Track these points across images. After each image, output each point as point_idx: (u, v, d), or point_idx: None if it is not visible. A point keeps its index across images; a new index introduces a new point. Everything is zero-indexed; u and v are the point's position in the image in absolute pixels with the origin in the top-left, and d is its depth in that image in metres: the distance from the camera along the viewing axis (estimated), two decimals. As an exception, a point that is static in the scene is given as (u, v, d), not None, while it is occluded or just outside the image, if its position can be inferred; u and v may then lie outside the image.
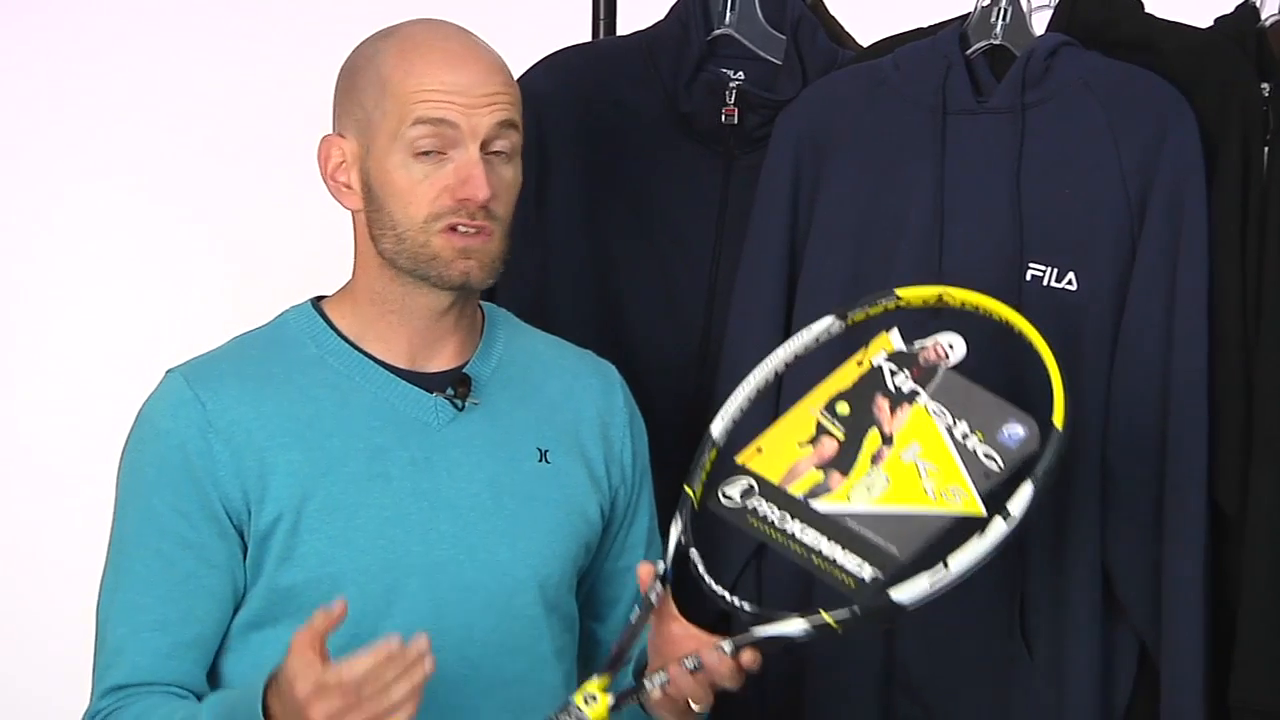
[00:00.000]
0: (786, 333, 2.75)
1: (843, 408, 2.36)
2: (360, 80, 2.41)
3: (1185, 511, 2.62)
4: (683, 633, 2.34)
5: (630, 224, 2.89)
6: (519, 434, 2.46)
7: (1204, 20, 2.73)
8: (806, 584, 2.55)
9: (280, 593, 2.36)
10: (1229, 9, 2.74)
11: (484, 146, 2.38)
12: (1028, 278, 2.67)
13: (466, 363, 2.46)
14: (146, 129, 3.94)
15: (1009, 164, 2.68)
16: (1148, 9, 2.76)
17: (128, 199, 3.95)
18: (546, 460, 2.47)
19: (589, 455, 2.50)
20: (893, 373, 2.36)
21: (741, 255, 2.81)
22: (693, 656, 2.28)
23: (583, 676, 2.45)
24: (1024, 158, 2.68)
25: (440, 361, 2.45)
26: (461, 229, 2.38)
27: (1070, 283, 2.66)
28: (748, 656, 2.28)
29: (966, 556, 2.21)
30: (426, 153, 2.37)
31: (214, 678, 2.40)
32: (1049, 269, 2.67)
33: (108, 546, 2.40)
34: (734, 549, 2.69)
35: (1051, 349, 2.31)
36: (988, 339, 2.39)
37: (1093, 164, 2.66)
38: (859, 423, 2.34)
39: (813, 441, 2.35)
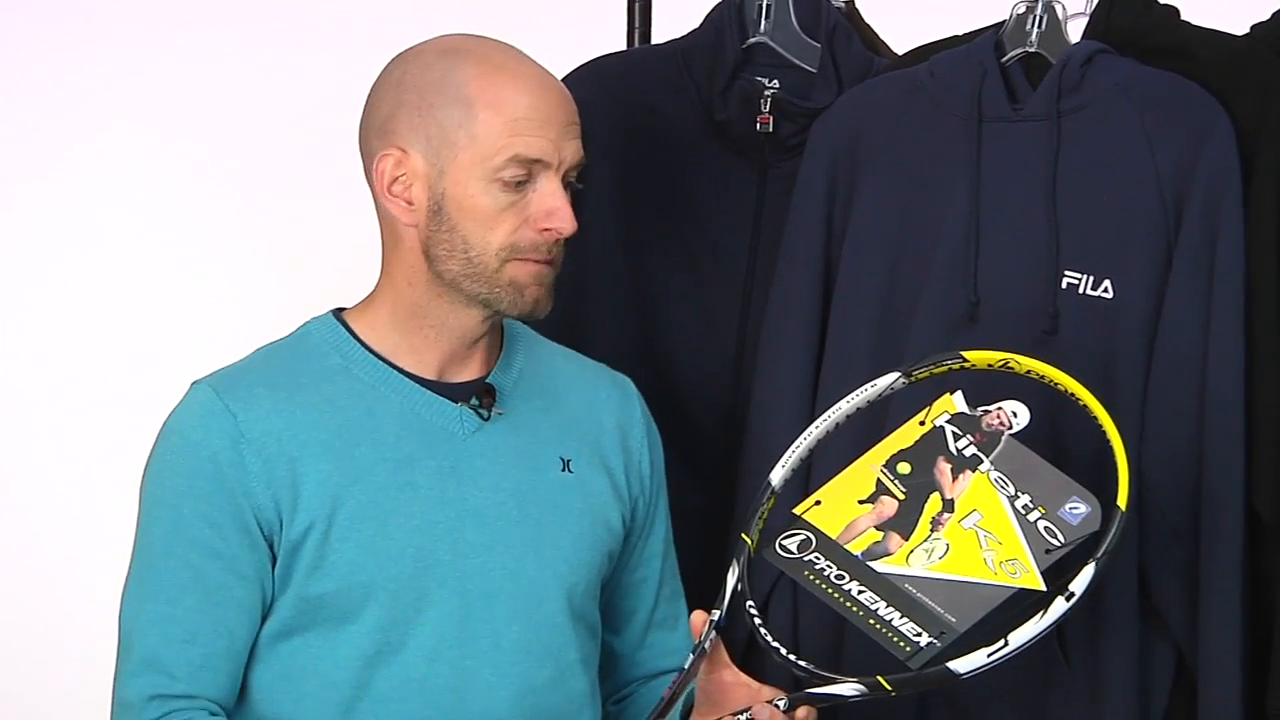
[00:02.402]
0: (821, 341, 2.75)
1: (904, 467, 2.37)
2: (435, 99, 2.37)
3: (1222, 518, 2.61)
4: (734, 680, 2.36)
5: (665, 232, 2.89)
6: (542, 444, 2.47)
7: (1240, 27, 2.73)
8: (838, 623, 2.55)
9: (310, 602, 2.37)
10: (1265, 16, 2.73)
11: (564, 176, 2.39)
12: (1064, 285, 2.66)
13: (488, 374, 2.47)
14: (176, 133, 3.94)
15: (1044, 171, 2.68)
16: (1183, 16, 2.75)
17: (159, 205, 3.96)
18: (569, 470, 2.48)
19: (610, 465, 2.51)
20: (955, 436, 2.37)
21: (776, 263, 2.81)
22: (745, 711, 2.30)
23: (602, 688, 2.48)
24: (1060, 165, 2.67)
25: (464, 373, 2.46)
26: (537, 259, 2.38)
27: (1106, 290, 2.66)
28: (802, 713, 2.30)
29: (1027, 633, 2.24)
30: (518, 184, 2.37)
31: (242, 687, 2.40)
32: (1085, 276, 2.66)
33: (132, 556, 2.40)
34: (758, 577, 2.67)
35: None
36: (1044, 404, 2.40)
37: (1129, 171, 2.65)
38: (920, 484, 2.35)
39: (872, 499, 2.36)
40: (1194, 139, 2.63)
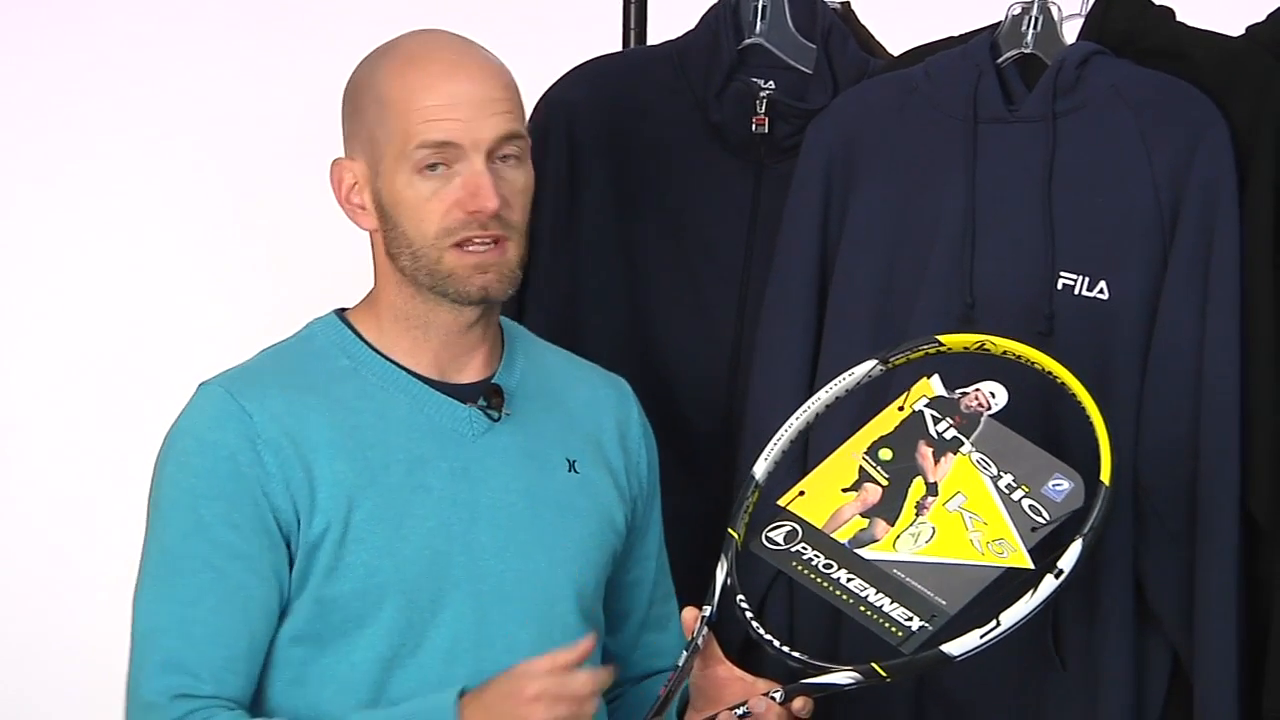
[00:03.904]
0: (817, 343, 2.75)
1: (885, 453, 2.38)
2: (362, 101, 2.41)
3: (1218, 521, 2.61)
4: (728, 675, 2.36)
5: (661, 233, 2.89)
6: (549, 444, 2.47)
7: (1236, 29, 2.73)
8: (836, 615, 2.55)
9: (326, 605, 2.37)
10: (1261, 17, 2.73)
11: (490, 155, 2.39)
12: (1059, 286, 2.66)
13: (493, 375, 2.47)
14: (171, 133, 3.94)
15: (1040, 173, 2.67)
16: (1179, 17, 2.75)
17: (155, 205, 3.95)
18: (575, 470, 2.48)
19: (612, 465, 2.52)
20: (935, 419, 2.38)
21: (772, 265, 2.80)
22: (741, 705, 2.30)
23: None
24: (1055, 166, 2.67)
25: (468, 374, 2.46)
26: (476, 244, 2.38)
27: (1102, 291, 2.66)
28: (798, 704, 2.30)
29: (1018, 612, 2.24)
30: (433, 168, 2.38)
31: (258, 692, 2.39)
32: (1080, 277, 2.66)
33: (145, 558, 2.38)
34: (755, 575, 2.67)
35: (1088, 375, 2.32)
36: (1025, 384, 2.41)
37: (1124, 172, 2.65)
38: (902, 470, 2.36)
39: (855, 487, 2.37)
40: (1190, 140, 2.63)
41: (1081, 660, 2.66)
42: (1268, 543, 2.61)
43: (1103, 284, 2.66)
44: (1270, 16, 2.72)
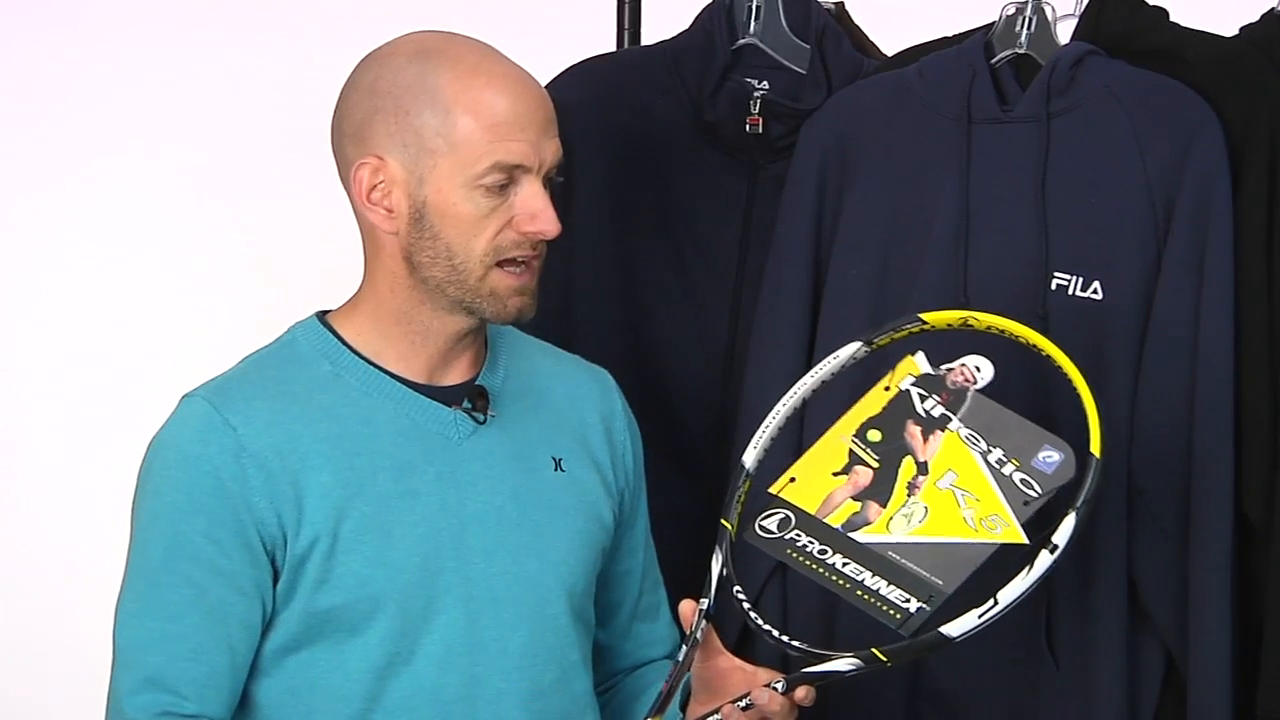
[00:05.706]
0: (811, 343, 2.76)
1: (874, 435, 2.37)
2: (410, 104, 2.33)
3: (1212, 521, 2.61)
4: (729, 666, 2.36)
5: (655, 234, 2.89)
6: (534, 444, 2.46)
7: (1229, 29, 2.73)
8: (829, 603, 2.55)
9: (318, 616, 2.35)
10: (1254, 17, 2.73)
11: (546, 176, 2.37)
12: (1053, 286, 2.67)
13: (476, 375, 2.45)
14: (161, 134, 3.94)
15: (1034, 173, 2.68)
16: (1173, 18, 2.76)
17: (145, 206, 3.95)
18: (561, 469, 2.47)
19: (599, 460, 2.51)
20: (922, 397, 2.37)
21: (766, 264, 2.81)
22: (744, 697, 2.30)
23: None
24: (1049, 167, 2.67)
25: (452, 376, 2.44)
26: (519, 261, 2.36)
27: (1095, 291, 2.66)
28: (801, 693, 2.30)
29: (1015, 589, 2.23)
30: (501, 188, 2.35)
31: (247, 701, 2.39)
32: (1074, 278, 2.67)
33: (127, 572, 2.37)
34: (754, 567, 2.68)
35: (1078, 366, 2.32)
36: (1011, 360, 2.40)
37: (1118, 173, 2.66)
38: (892, 450, 2.35)
39: (846, 470, 2.36)
40: (1183, 140, 2.63)
41: (1075, 659, 2.66)
42: (1261, 542, 2.62)
43: (1096, 284, 2.66)
44: (1264, 17, 2.73)
